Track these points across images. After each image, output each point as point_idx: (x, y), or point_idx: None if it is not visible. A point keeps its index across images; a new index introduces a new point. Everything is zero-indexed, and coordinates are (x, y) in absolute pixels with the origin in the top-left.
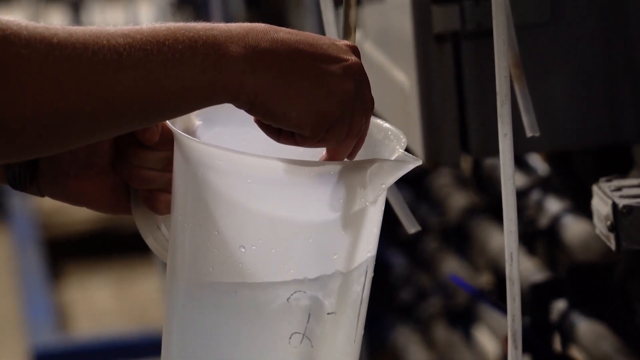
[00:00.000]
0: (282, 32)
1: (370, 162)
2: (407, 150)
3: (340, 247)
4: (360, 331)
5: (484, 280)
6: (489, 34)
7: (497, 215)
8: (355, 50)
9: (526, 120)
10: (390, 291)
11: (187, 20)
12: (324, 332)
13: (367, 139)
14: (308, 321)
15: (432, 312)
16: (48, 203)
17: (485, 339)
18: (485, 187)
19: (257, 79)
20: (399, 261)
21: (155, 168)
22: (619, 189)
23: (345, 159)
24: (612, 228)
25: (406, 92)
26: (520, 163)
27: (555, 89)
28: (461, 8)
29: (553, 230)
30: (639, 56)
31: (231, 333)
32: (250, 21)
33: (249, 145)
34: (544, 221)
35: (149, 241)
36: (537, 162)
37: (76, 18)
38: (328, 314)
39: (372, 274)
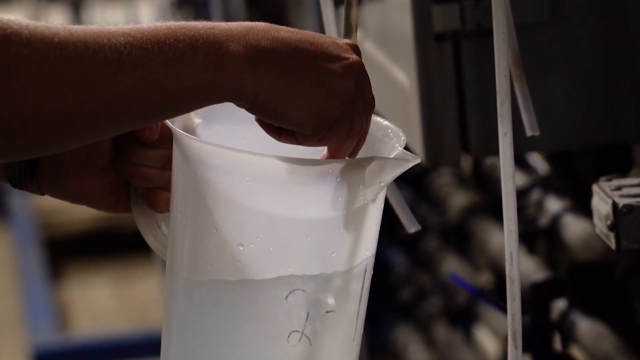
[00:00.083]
0: (283, 31)
1: (369, 160)
2: (406, 148)
3: (339, 246)
4: (360, 330)
5: (484, 279)
6: (489, 33)
7: (497, 215)
8: (356, 49)
9: (526, 119)
10: (390, 291)
11: (187, 19)
12: (323, 330)
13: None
14: (307, 319)
15: (432, 311)
16: (48, 202)
17: (485, 339)
18: (486, 186)
19: (257, 78)
20: (399, 260)
21: (154, 166)
22: (619, 188)
23: (347, 158)
24: (612, 227)
25: (406, 92)
26: (520, 162)
27: (555, 89)
28: (461, 7)
29: (553, 229)
30: (639, 56)
31: (230, 331)
32: (251, 20)
33: (249, 143)
34: (544, 220)
35: (149, 239)
36: (537, 161)
37: (76, 17)
38: (327, 312)
39: (372, 273)
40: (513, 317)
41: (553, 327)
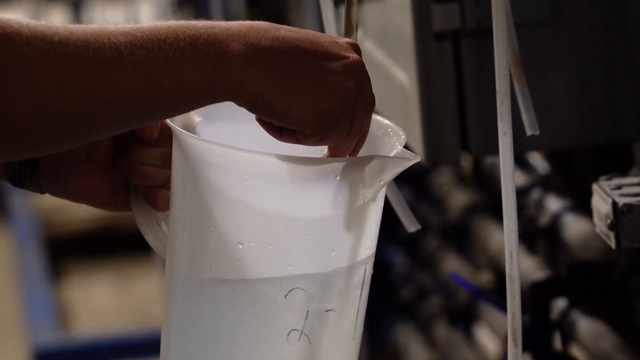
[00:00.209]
0: (283, 30)
1: (368, 158)
2: (406, 147)
3: (339, 244)
4: (360, 329)
5: (485, 278)
6: (488, 32)
7: (497, 214)
8: (356, 48)
9: (526, 118)
10: (390, 290)
11: (187, 18)
12: (323, 329)
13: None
14: (306, 318)
15: (432, 310)
16: (48, 202)
17: (485, 338)
18: (486, 185)
19: (258, 77)
20: (399, 260)
21: (154, 164)
22: (619, 187)
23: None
24: (612, 226)
25: (406, 91)
26: (520, 161)
27: (555, 88)
28: (461, 6)
29: (553, 228)
30: (639, 55)
31: (229, 330)
32: (251, 20)
33: (249, 141)
34: (544, 220)
35: (149, 238)
36: (537, 160)
37: (77, 17)
38: (326, 311)
39: (372, 272)
40: (513, 316)
41: (553, 326)
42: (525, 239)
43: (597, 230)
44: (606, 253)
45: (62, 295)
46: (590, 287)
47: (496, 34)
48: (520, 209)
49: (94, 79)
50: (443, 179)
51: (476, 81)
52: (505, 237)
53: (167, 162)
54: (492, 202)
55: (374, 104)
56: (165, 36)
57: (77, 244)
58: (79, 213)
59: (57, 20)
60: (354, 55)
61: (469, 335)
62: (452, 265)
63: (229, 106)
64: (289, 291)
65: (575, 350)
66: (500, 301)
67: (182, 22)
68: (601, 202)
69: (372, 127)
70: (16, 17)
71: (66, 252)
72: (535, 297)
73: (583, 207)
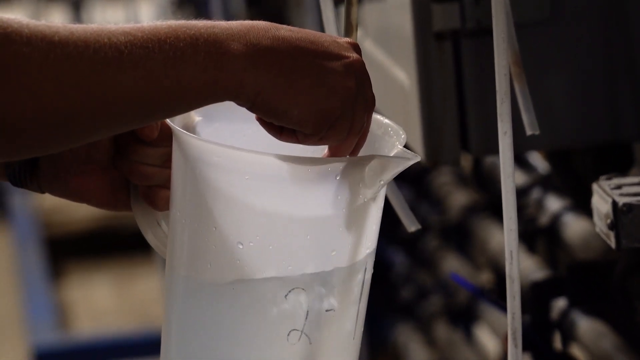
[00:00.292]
0: (283, 30)
1: (368, 158)
2: (406, 147)
3: (338, 244)
4: (360, 329)
5: (485, 278)
6: (488, 32)
7: (497, 214)
8: (356, 48)
9: (526, 118)
10: (390, 290)
11: (187, 18)
12: (323, 329)
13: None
14: (306, 318)
15: (432, 310)
16: (49, 201)
17: (485, 338)
18: (486, 185)
19: (258, 77)
20: (399, 260)
21: (154, 164)
22: (619, 187)
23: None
24: (612, 226)
25: (406, 91)
26: (520, 161)
27: (555, 87)
28: (461, 6)
29: (553, 228)
30: (639, 55)
31: (229, 330)
32: (251, 19)
33: (249, 141)
34: (544, 219)
35: (149, 237)
36: (537, 160)
37: (77, 17)
38: (327, 311)
39: (372, 271)
40: (513, 316)
41: (553, 326)
42: (525, 239)
43: (597, 230)
44: (606, 253)
45: (62, 295)
46: (590, 287)
47: (496, 34)
48: (520, 208)
49: (94, 79)
50: (443, 178)
51: (476, 81)
52: (505, 236)
53: (167, 161)
54: (492, 202)
55: (374, 104)
56: (166, 36)
57: (77, 244)
58: (79, 213)
59: (57, 20)
60: (354, 55)
61: (469, 335)
62: (452, 265)
63: (229, 106)
64: (289, 291)
65: (575, 350)
66: (500, 301)
67: (183, 22)
68: (601, 201)
69: (372, 126)
70: (16, 16)
71: (66, 252)
72: (535, 297)
73: (583, 206)
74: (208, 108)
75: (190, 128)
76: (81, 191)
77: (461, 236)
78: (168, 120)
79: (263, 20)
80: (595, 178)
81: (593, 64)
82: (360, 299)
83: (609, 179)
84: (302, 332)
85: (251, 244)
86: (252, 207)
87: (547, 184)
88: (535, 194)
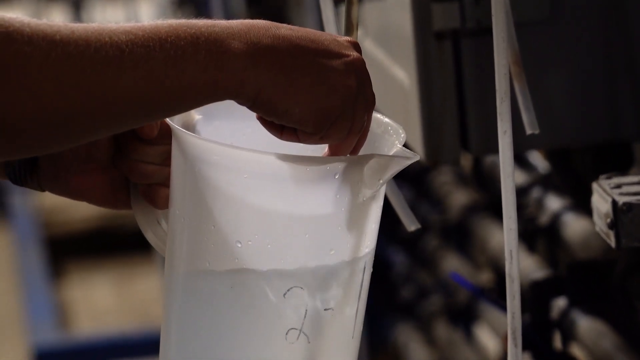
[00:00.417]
0: (284, 29)
1: (367, 157)
2: (406, 146)
3: (338, 243)
4: (359, 328)
5: (485, 277)
6: (488, 31)
7: (497, 213)
8: (356, 47)
9: (526, 117)
10: (390, 289)
11: (188, 17)
12: (321, 328)
13: None
14: (305, 317)
15: (432, 310)
16: (49, 201)
17: (485, 337)
18: (486, 184)
19: (258, 76)
20: (399, 259)
21: (154, 162)
22: (618, 186)
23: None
24: (612, 225)
25: (406, 90)
26: (520, 161)
27: (555, 87)
28: (461, 6)
29: (553, 227)
30: (639, 54)
31: (228, 329)
32: (251, 18)
33: (249, 140)
34: (544, 219)
35: (149, 236)
36: (537, 159)
37: (77, 16)
38: (325, 310)
39: (371, 270)
40: (513, 316)
41: (553, 326)
42: (525, 238)
43: (597, 229)
44: (606, 252)
45: (62, 294)
46: (590, 286)
47: (496, 34)
48: (520, 208)
49: (94, 79)
50: (443, 178)
51: (476, 80)
52: (505, 236)
53: (166, 160)
54: (492, 201)
55: (374, 103)
56: (166, 35)
57: (77, 243)
58: (79, 212)
59: (57, 20)
60: (354, 54)
61: (469, 335)
62: (452, 264)
63: (229, 104)
64: (288, 290)
65: (575, 350)
66: (500, 300)
67: (183, 21)
68: (601, 201)
69: (372, 125)
70: (17, 16)
71: (66, 251)
72: (535, 296)
73: (583, 206)
74: (208, 106)
75: (190, 126)
76: (81, 190)
77: (461, 235)
78: (168, 119)
79: (263, 19)
80: (595, 177)
81: (593, 64)
82: (359, 298)
83: (609, 178)
84: (300, 331)
85: (250, 242)
86: (251, 206)
87: (547, 183)
88: (535, 193)
